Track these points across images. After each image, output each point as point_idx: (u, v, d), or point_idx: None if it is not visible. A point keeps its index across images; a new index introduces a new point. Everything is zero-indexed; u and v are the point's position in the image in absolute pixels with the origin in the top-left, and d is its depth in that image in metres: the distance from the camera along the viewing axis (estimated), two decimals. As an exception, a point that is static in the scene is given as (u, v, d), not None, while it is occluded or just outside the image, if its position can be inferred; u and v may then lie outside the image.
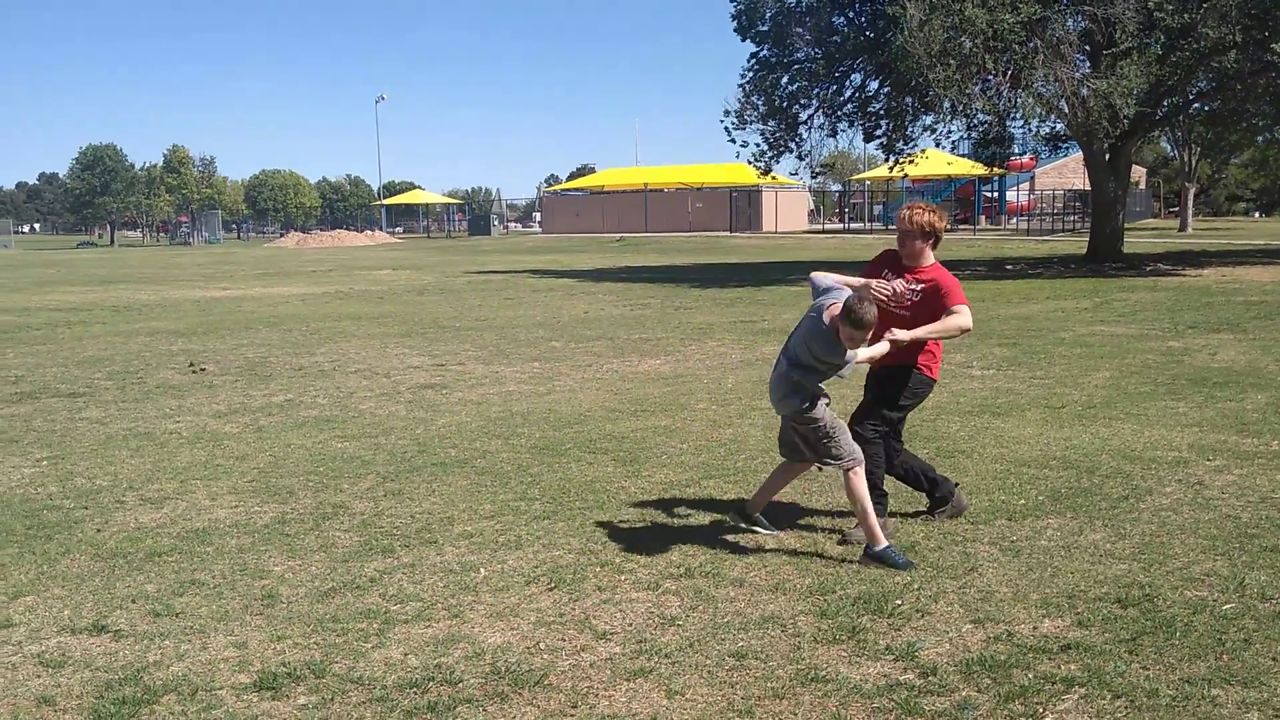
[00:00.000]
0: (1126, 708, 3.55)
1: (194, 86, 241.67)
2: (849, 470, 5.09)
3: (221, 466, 7.17)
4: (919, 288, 5.34)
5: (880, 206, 63.05)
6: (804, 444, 5.23)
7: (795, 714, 3.58)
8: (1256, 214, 75.41)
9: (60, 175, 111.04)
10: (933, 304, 5.32)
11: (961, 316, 5.28)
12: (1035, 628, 4.23)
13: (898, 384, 5.47)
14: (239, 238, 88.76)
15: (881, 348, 5.16)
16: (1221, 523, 5.47)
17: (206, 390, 10.30)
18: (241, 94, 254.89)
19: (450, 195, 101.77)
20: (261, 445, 7.80)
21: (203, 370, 11.56)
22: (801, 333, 5.16)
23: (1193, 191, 53.19)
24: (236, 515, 6.01)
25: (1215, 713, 3.50)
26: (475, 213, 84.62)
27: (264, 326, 16.06)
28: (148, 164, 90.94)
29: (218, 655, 4.13)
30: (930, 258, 5.46)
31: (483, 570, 5.02)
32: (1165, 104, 26.54)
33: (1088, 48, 23.80)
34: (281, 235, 77.02)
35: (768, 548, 5.23)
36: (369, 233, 72.09)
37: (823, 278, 5.34)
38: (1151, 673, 3.80)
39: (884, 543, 4.99)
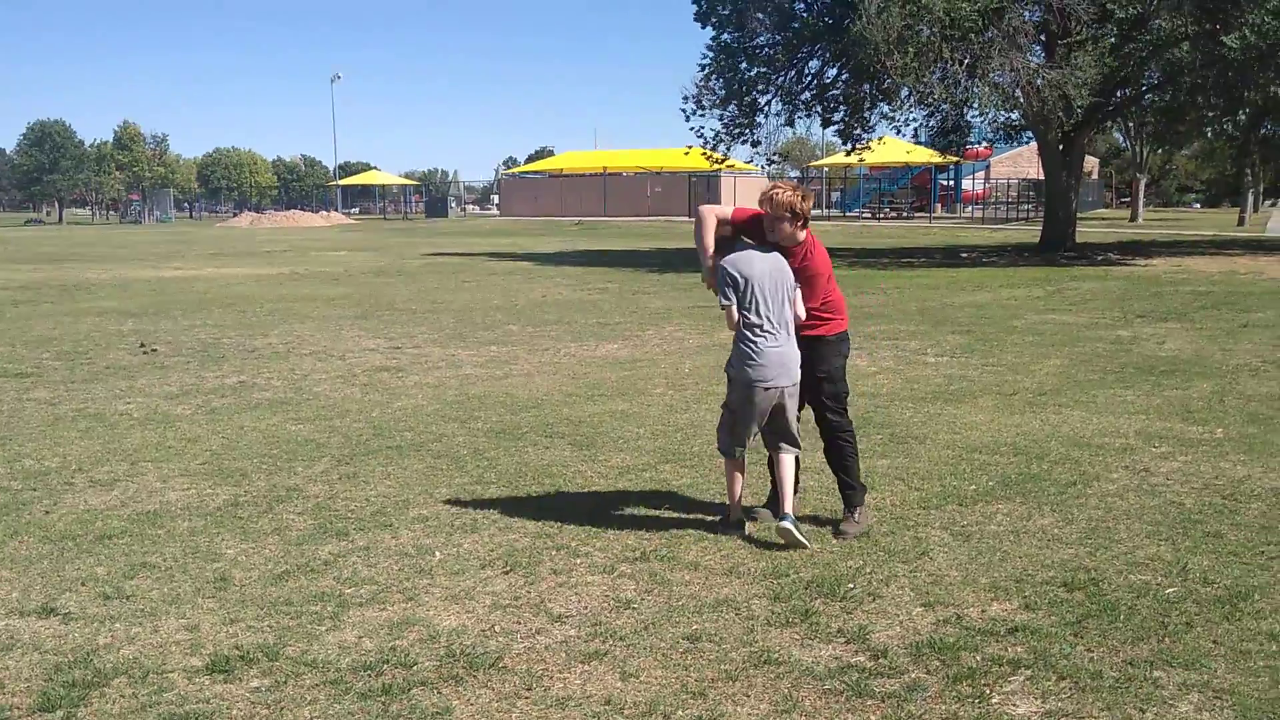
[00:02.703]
0: (1071, 689, 3.63)
1: (146, 62, 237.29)
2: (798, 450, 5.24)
3: (173, 448, 7.09)
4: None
5: (838, 193, 63.39)
6: (792, 419, 5.21)
7: (748, 696, 3.62)
8: (1196, 205, 76.69)
9: (6, 151, 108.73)
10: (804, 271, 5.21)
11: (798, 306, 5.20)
12: (984, 611, 4.30)
13: (822, 351, 5.32)
14: (191, 217, 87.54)
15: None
16: (1166, 508, 5.58)
17: (158, 371, 10.17)
18: (194, 70, 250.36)
19: (407, 176, 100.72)
20: (214, 427, 7.72)
21: (154, 351, 11.40)
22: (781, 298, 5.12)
23: (1144, 182, 53.96)
24: (188, 498, 5.95)
25: (1157, 694, 3.58)
26: (432, 194, 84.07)
27: (217, 307, 15.87)
28: (98, 140, 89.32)
29: (169, 638, 4.10)
30: (801, 238, 5.22)
31: (438, 554, 5.02)
32: (1118, 95, 26.89)
33: (1043, 38, 24.05)
34: (235, 215, 75.98)
35: (722, 533, 5.26)
36: (324, 213, 71.33)
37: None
38: (1096, 655, 3.88)
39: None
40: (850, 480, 5.38)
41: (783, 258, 5.17)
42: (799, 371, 5.18)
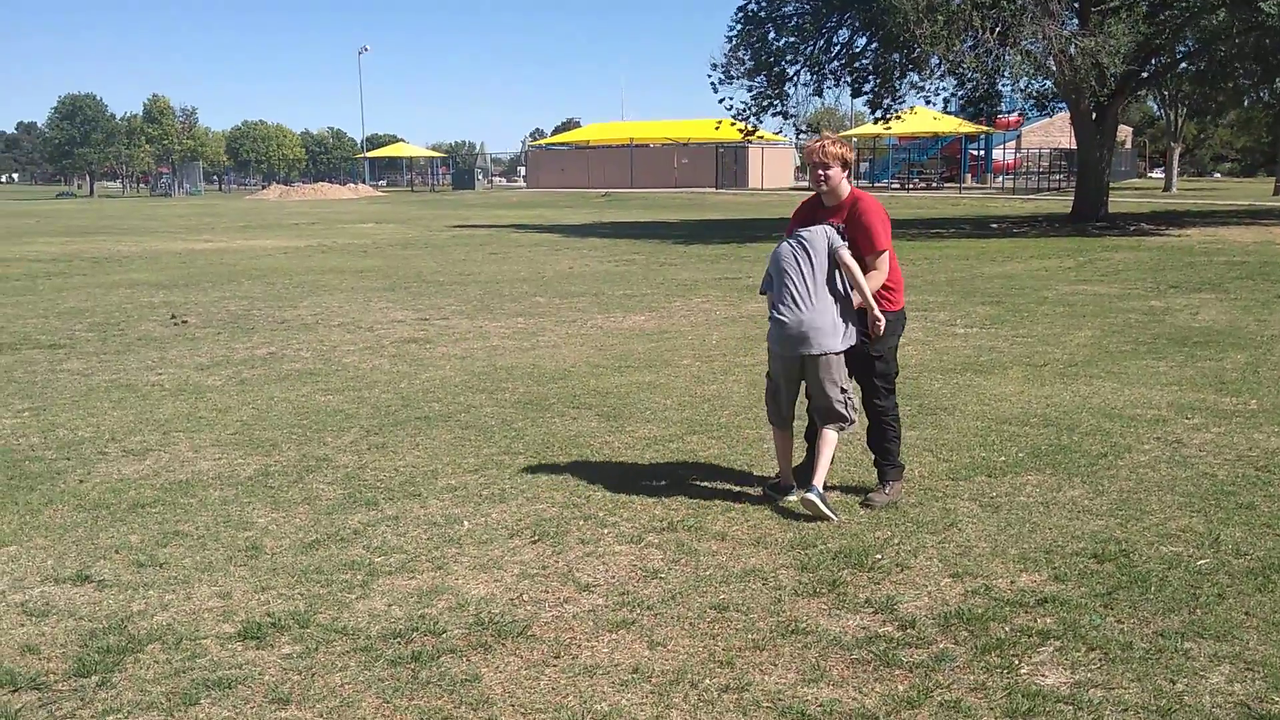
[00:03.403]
0: (1101, 660, 3.61)
1: (175, 35, 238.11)
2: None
3: (204, 419, 7.15)
4: (843, 227, 5.20)
5: (866, 164, 62.94)
6: (831, 391, 5.15)
7: (775, 665, 3.63)
8: (1215, 174, 75.78)
9: (39, 125, 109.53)
10: (860, 231, 5.18)
11: (879, 273, 5.18)
12: (1013, 582, 4.28)
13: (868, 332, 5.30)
14: (220, 190, 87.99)
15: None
16: (1198, 480, 5.53)
17: (188, 343, 10.26)
18: (223, 44, 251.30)
19: (434, 149, 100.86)
20: (244, 398, 7.78)
21: (185, 323, 11.50)
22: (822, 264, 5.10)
23: (1178, 151, 53.23)
24: (220, 467, 6.01)
25: (1187, 665, 3.56)
26: (459, 167, 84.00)
27: (246, 279, 15.97)
28: (128, 114, 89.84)
29: (202, 605, 4.15)
30: (848, 188, 5.26)
31: (466, 523, 5.05)
32: (1153, 63, 26.47)
33: (1076, 5, 23.67)
34: (264, 188, 76.32)
35: (750, 502, 5.26)
36: (352, 186, 71.50)
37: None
38: (1126, 626, 3.86)
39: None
40: (888, 461, 5.38)
41: (821, 230, 5.14)
42: (833, 342, 5.09)
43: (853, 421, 5.23)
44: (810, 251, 5.11)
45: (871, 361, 5.31)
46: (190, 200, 62.62)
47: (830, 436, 5.19)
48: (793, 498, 5.24)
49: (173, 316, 11.91)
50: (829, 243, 5.12)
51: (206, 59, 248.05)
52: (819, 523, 4.97)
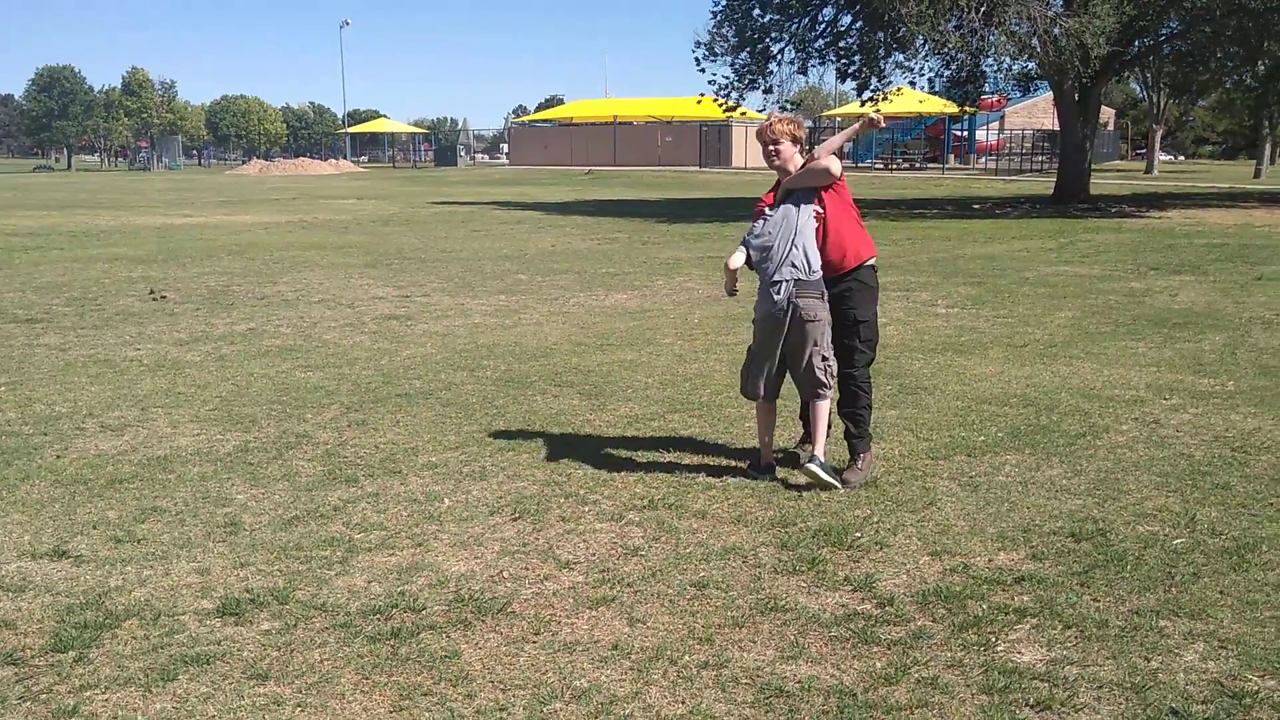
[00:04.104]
0: (1076, 638, 3.64)
1: (154, 7, 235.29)
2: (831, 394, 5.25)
3: (183, 395, 7.11)
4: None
5: (850, 144, 62.90)
6: (814, 359, 5.15)
7: (754, 642, 3.64)
8: (1178, 156, 76.53)
9: (15, 97, 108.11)
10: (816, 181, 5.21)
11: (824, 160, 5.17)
12: (990, 560, 4.31)
13: (856, 299, 5.33)
14: (200, 164, 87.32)
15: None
16: (1175, 460, 5.57)
17: (167, 318, 10.19)
18: (203, 17, 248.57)
19: (416, 125, 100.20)
20: (224, 374, 7.74)
21: (163, 298, 11.41)
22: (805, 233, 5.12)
23: (1159, 133, 53.41)
24: (198, 443, 5.97)
25: (1162, 643, 3.59)
26: (442, 143, 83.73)
27: (226, 255, 15.85)
28: (106, 87, 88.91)
29: (180, 581, 4.13)
30: (800, 160, 5.27)
31: (447, 500, 5.04)
32: (1136, 44, 26.51)
33: (1061, -15, 23.68)
34: (244, 163, 75.77)
35: (731, 480, 5.27)
36: (333, 162, 71.14)
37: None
38: (1102, 604, 3.89)
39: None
40: (859, 431, 5.40)
41: (788, 206, 5.17)
42: (813, 306, 5.09)
43: (831, 388, 5.24)
44: (783, 224, 5.12)
45: (857, 326, 5.33)
46: (169, 175, 62.09)
47: (822, 407, 5.21)
48: (795, 474, 5.29)
49: (151, 292, 11.82)
50: (809, 218, 5.14)
51: (186, 32, 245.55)
52: (799, 501, 4.99)
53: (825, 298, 5.15)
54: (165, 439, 6.06)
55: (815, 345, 5.14)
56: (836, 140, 5.57)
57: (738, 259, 5.26)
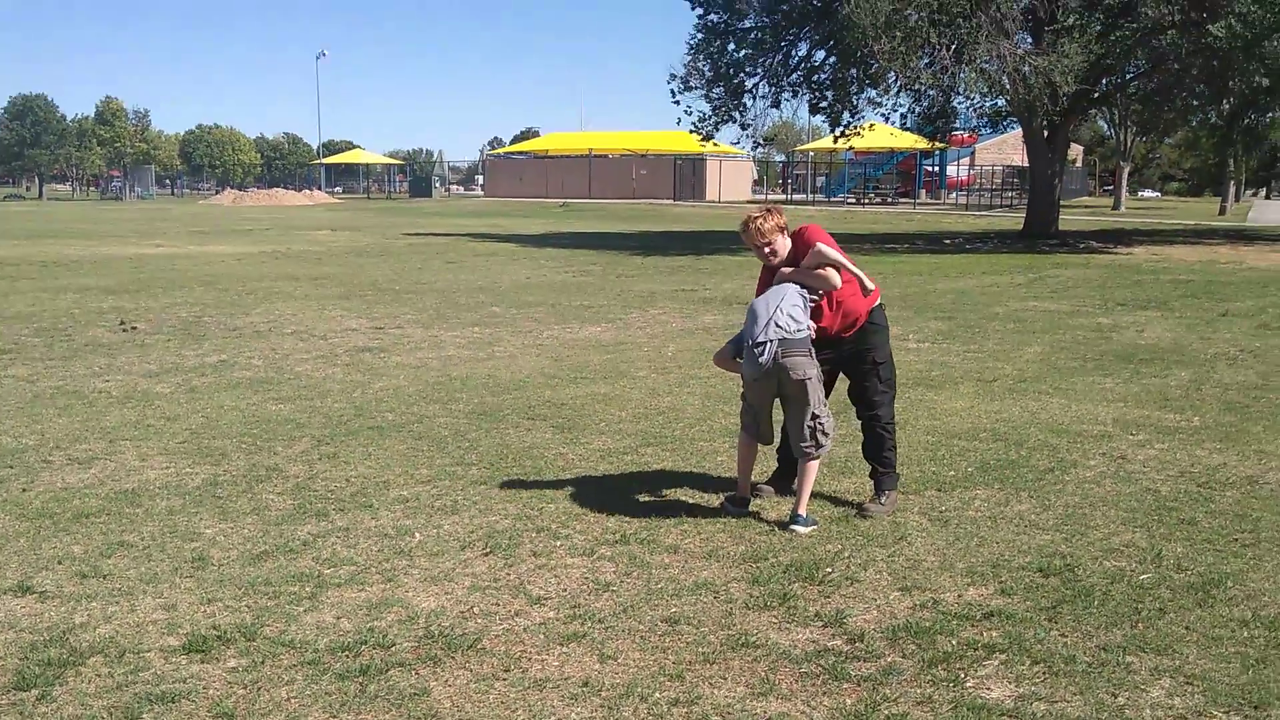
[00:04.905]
0: (1045, 673, 3.66)
1: (129, 36, 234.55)
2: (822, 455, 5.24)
3: (152, 427, 7.06)
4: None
5: (823, 178, 63.36)
6: (802, 413, 5.16)
7: (725, 678, 3.64)
8: (1143, 191, 78.17)
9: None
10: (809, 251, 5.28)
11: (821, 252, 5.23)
12: (960, 595, 4.33)
13: (872, 340, 5.46)
14: (173, 194, 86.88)
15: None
16: (1141, 495, 5.62)
17: (138, 349, 10.12)
18: (178, 46, 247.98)
19: (391, 156, 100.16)
20: (194, 406, 7.68)
21: (134, 329, 11.34)
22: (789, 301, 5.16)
23: (1127, 170, 54.17)
24: (167, 476, 5.93)
25: (1129, 679, 3.62)
26: (417, 174, 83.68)
27: (198, 285, 15.78)
28: (79, 115, 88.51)
29: (146, 617, 4.09)
30: (788, 243, 5.33)
31: (418, 535, 5.02)
32: (1104, 82, 26.94)
33: (1030, 24, 24.07)
34: (217, 193, 75.50)
35: (703, 515, 5.28)
36: (307, 192, 70.95)
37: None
38: (1070, 640, 3.91)
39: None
40: (885, 470, 5.48)
41: (780, 285, 5.24)
42: (802, 365, 5.09)
43: (824, 447, 5.19)
44: (769, 300, 5.17)
45: (876, 368, 5.45)
46: (142, 204, 61.75)
47: (810, 467, 5.18)
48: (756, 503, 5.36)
49: (121, 323, 11.73)
50: (795, 288, 5.20)
51: (161, 61, 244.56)
52: (770, 536, 5.00)
53: (813, 354, 5.14)
54: (133, 472, 6.01)
55: (808, 405, 5.12)
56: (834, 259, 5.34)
57: (723, 354, 5.48)
